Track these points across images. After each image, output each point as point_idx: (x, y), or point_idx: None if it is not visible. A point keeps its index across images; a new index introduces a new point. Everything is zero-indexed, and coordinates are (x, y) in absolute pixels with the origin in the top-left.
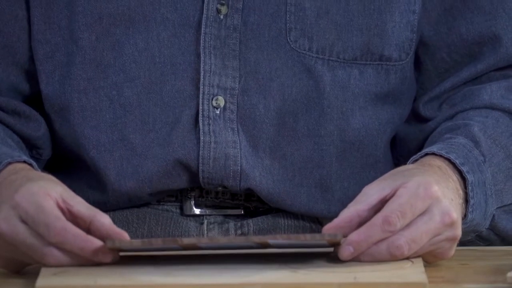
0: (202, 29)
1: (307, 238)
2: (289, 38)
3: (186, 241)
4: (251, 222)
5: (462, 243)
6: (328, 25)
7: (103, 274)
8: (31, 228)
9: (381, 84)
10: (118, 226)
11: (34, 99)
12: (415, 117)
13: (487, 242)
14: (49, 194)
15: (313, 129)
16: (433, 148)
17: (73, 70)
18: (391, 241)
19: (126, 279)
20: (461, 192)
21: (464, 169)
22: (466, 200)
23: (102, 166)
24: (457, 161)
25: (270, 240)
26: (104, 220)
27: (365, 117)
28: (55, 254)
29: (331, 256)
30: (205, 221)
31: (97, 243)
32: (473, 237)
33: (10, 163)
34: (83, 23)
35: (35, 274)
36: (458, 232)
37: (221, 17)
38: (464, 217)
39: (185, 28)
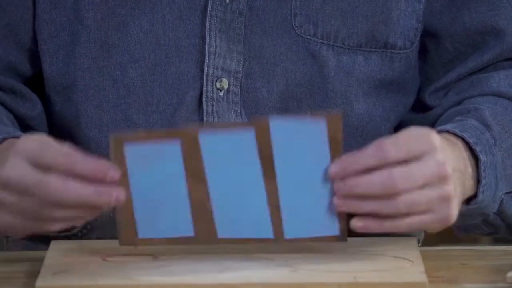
0: (208, 12)
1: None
2: (294, 24)
3: (189, 130)
4: None
5: (467, 228)
6: (333, 11)
7: (103, 274)
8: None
9: (385, 71)
10: None
11: (32, 81)
12: (421, 107)
13: (492, 228)
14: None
15: None
16: (447, 127)
17: (77, 49)
18: (386, 172)
19: (126, 279)
20: (470, 170)
21: (477, 148)
22: (478, 180)
23: (104, 145)
24: (470, 140)
25: (271, 119)
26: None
27: (369, 103)
28: (61, 186)
29: (331, 256)
30: None
31: (106, 163)
32: (479, 221)
33: (5, 138)
34: (89, 2)
35: (35, 274)
36: (451, 189)
37: (227, 1)
38: (475, 196)
39: (190, 11)
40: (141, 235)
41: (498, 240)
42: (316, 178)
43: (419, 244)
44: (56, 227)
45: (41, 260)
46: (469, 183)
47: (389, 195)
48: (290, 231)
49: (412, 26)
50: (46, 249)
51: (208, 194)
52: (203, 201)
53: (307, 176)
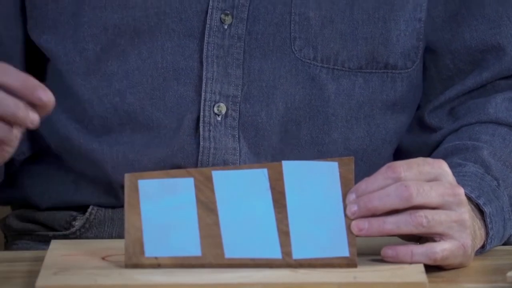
0: (205, 38)
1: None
2: (294, 47)
3: (205, 170)
4: None
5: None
6: (332, 34)
7: (103, 274)
8: None
9: (387, 92)
10: (117, 223)
11: None
12: (420, 126)
13: None
14: None
15: (316, 137)
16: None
17: (77, 80)
18: (400, 183)
19: (126, 279)
20: (478, 220)
21: (480, 201)
22: (486, 232)
23: (100, 158)
24: (472, 195)
25: (284, 162)
26: None
27: (372, 125)
28: None
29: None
30: None
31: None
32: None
33: None
34: (89, 34)
35: (35, 274)
36: (466, 214)
37: (225, 27)
38: (482, 247)
39: (189, 39)
40: (147, 254)
41: None
42: (327, 211)
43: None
44: None
45: (41, 260)
46: (479, 233)
47: (407, 205)
48: (298, 252)
49: (413, 45)
50: (46, 249)
51: (218, 220)
52: (212, 226)
53: (318, 208)
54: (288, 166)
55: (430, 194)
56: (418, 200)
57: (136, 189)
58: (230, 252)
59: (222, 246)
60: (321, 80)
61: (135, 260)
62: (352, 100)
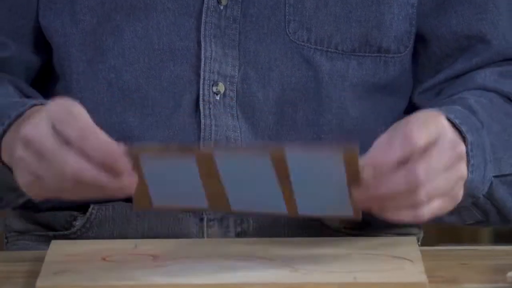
0: (203, 18)
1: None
2: (288, 30)
3: (204, 150)
4: (251, 219)
5: (459, 211)
6: (326, 17)
7: (103, 274)
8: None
9: (379, 75)
10: (118, 223)
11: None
12: (409, 107)
13: (484, 213)
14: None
15: (311, 119)
16: (432, 110)
17: (72, 52)
18: (408, 168)
19: (126, 279)
20: None
21: (463, 128)
22: (467, 160)
23: None
24: (456, 121)
25: (287, 149)
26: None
27: (364, 106)
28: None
29: (331, 256)
30: (205, 217)
31: (118, 150)
32: (469, 204)
33: (35, 104)
34: (86, 6)
35: (35, 274)
36: (465, 167)
37: (221, 7)
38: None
39: (185, 18)
40: (155, 203)
41: (498, 240)
42: (332, 190)
43: (419, 243)
44: (73, 198)
45: (41, 260)
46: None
47: (412, 189)
48: (303, 209)
49: (406, 30)
50: (46, 249)
51: (223, 188)
52: (218, 190)
53: (324, 189)
54: (292, 156)
55: (436, 167)
56: (424, 180)
57: (137, 163)
58: (236, 206)
59: (228, 202)
60: (315, 62)
61: (144, 206)
62: (345, 82)
